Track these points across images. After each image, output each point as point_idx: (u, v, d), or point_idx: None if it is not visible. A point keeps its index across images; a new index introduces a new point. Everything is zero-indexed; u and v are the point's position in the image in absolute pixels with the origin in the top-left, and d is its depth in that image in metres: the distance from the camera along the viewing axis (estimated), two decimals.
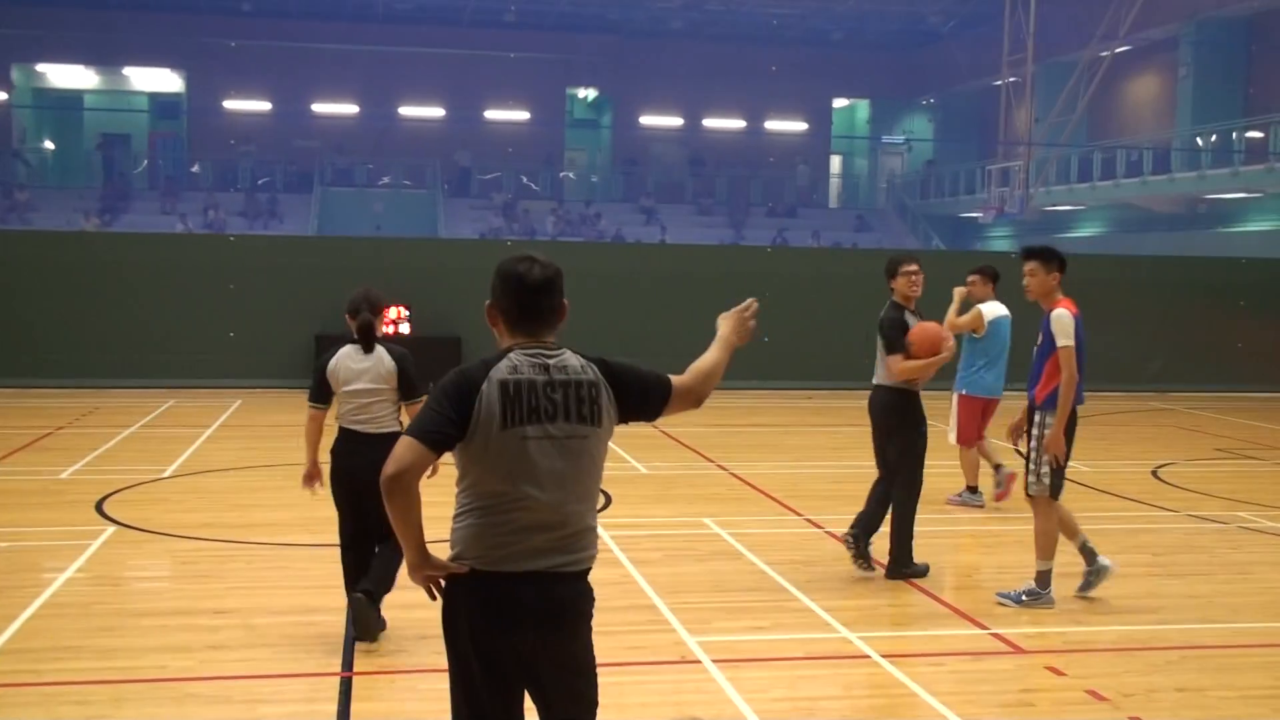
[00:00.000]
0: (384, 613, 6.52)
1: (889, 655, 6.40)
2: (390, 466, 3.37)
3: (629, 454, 12.92)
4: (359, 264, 18.67)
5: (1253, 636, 7.03)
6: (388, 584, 6.41)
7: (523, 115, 44.03)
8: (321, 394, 6.62)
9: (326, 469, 6.62)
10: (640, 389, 3.64)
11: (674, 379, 3.74)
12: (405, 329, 18.17)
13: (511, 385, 3.45)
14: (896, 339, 7.87)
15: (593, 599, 3.65)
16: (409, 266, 18.71)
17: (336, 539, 6.69)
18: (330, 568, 7.97)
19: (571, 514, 3.52)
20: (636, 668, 6.23)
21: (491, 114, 43.69)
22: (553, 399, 3.48)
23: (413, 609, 7.00)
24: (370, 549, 6.48)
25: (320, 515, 9.38)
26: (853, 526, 8.08)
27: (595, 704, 3.65)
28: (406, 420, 5.97)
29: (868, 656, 6.40)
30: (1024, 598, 7.40)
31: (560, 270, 3.59)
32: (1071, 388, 7.16)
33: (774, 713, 5.59)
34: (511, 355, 3.51)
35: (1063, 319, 7.23)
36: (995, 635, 6.82)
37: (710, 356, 3.86)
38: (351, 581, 6.48)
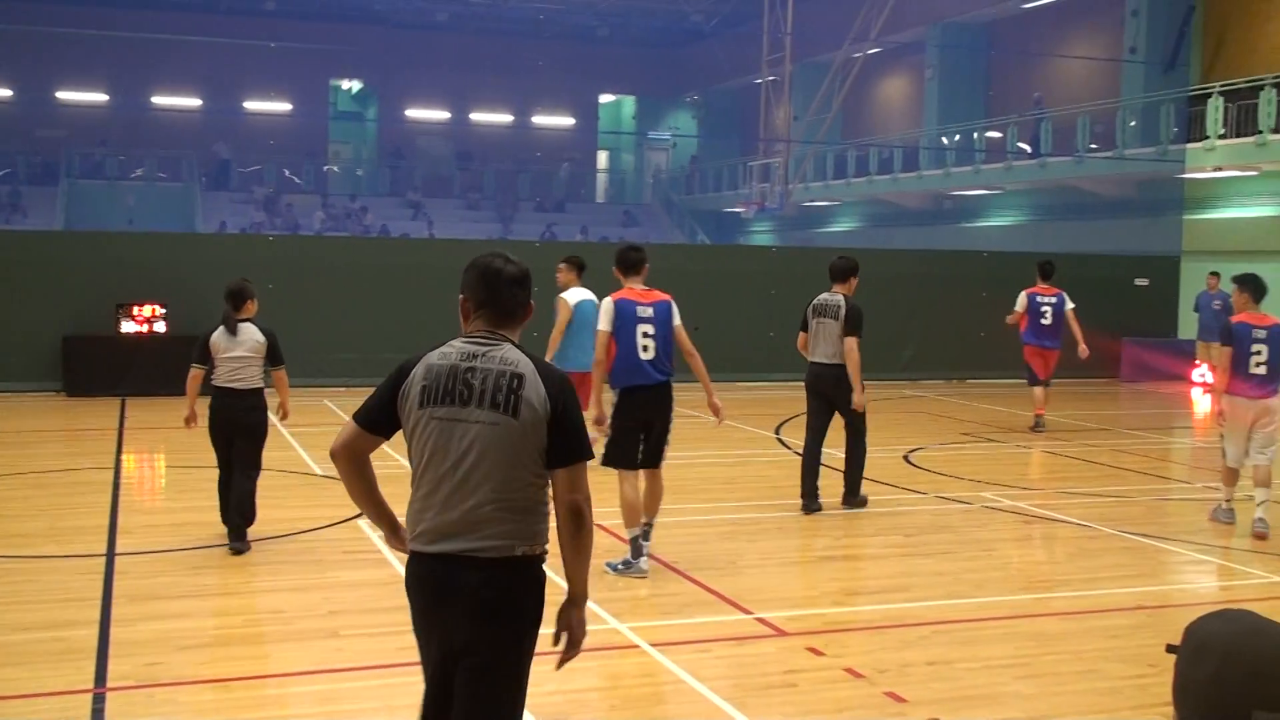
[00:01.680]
0: (135, 626, 6.29)
1: (657, 644, 6.54)
2: (334, 443, 3.69)
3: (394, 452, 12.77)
4: (110, 260, 17.85)
5: (996, 610, 7.46)
6: (244, 510, 8.52)
7: (284, 107, 42.86)
8: (203, 358, 8.61)
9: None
10: (558, 440, 3.58)
11: (559, 478, 3.66)
12: (160, 328, 17.47)
13: (435, 368, 3.60)
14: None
15: (514, 590, 3.65)
16: (165, 262, 17.98)
17: (86, 551, 7.80)
18: (83, 580, 7.65)
19: (477, 499, 3.55)
20: (408, 669, 6.18)
21: (251, 105, 42.37)
22: (469, 383, 3.56)
23: (168, 620, 6.78)
24: (232, 475, 8.59)
25: (69, 525, 9.00)
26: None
27: (500, 704, 3.64)
28: (274, 381, 8.74)
29: (637, 646, 6.53)
30: (619, 567, 7.96)
31: (529, 271, 3.78)
32: (598, 369, 8.18)
33: (546, 707, 5.64)
34: (453, 340, 3.64)
35: (603, 306, 8.25)
36: (759, 619, 7.05)
37: (570, 567, 3.85)
38: (224, 504, 8.70)
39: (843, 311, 10.01)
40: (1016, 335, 15.72)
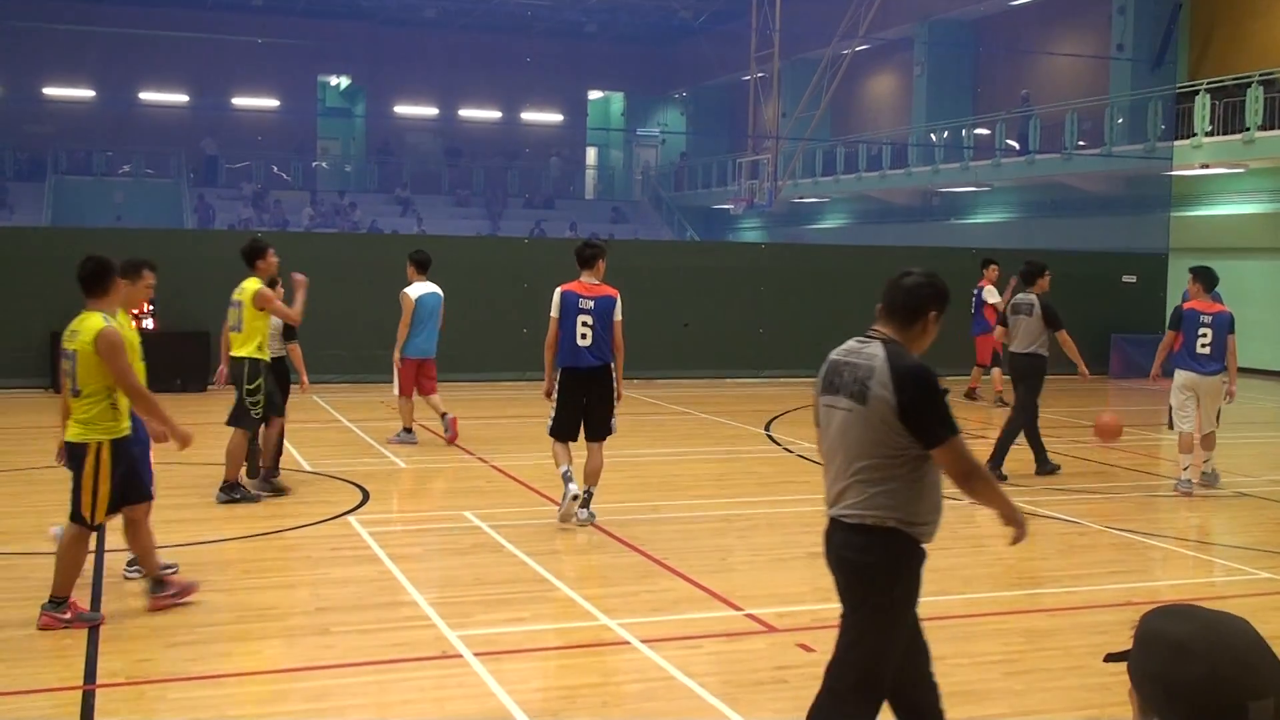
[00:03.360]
0: (125, 623, 6.27)
1: (648, 640, 6.54)
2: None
3: (386, 448, 12.77)
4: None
5: (985, 606, 7.49)
6: (272, 457, 10.26)
7: (272, 103, 42.75)
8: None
9: None
10: (913, 424, 4.20)
11: (935, 456, 4.27)
12: (149, 324, 17.40)
13: (828, 361, 4.45)
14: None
15: (872, 552, 4.35)
16: (153, 259, 17.87)
17: None
18: None
19: (844, 473, 4.30)
20: (397, 665, 6.19)
21: (239, 101, 42.25)
22: (841, 375, 4.32)
23: (158, 616, 6.77)
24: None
25: (58, 521, 8.94)
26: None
27: (849, 646, 4.47)
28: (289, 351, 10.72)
29: (628, 643, 6.53)
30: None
31: (931, 280, 4.46)
32: (548, 351, 9.25)
33: (536, 703, 5.64)
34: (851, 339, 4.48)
35: (553, 296, 9.28)
36: (749, 615, 7.06)
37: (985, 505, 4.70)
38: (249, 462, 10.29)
39: (1037, 310, 11.86)
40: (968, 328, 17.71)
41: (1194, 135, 23.88)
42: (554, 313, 9.20)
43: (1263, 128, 22.44)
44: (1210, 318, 11.01)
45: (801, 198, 37.78)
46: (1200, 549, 9.23)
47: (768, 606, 7.24)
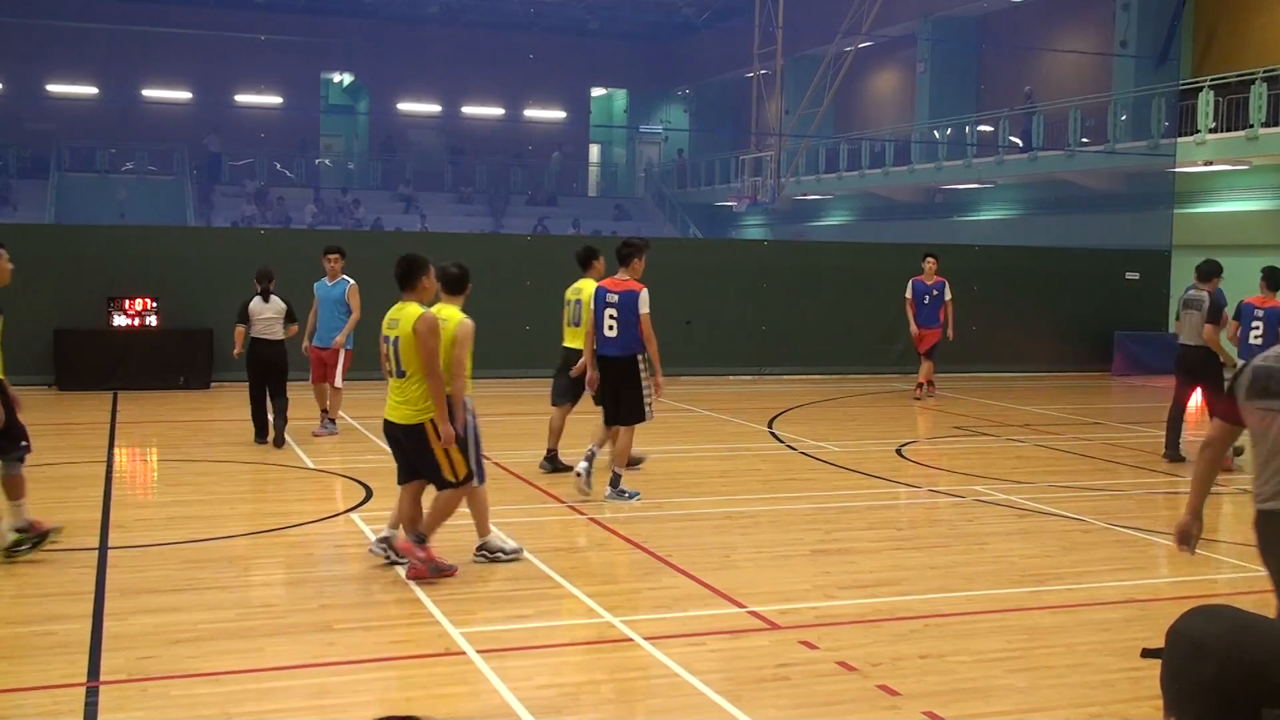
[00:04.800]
0: (128, 620, 6.27)
1: (651, 637, 6.54)
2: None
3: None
4: (102, 254, 17.80)
5: (987, 603, 7.48)
6: (282, 423, 12.55)
7: (275, 100, 42.74)
8: (243, 318, 12.68)
9: None
10: None
11: None
12: (152, 321, 17.42)
13: (1258, 369, 4.73)
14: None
15: None
16: (156, 256, 17.92)
17: (79, 545, 8.03)
18: (75, 573, 7.63)
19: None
20: (401, 662, 6.19)
21: (242, 98, 42.24)
22: (1275, 379, 4.67)
23: (161, 614, 6.77)
24: (267, 404, 12.68)
25: (61, 519, 8.97)
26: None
27: None
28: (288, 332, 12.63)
29: (631, 640, 6.53)
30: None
31: None
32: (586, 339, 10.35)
33: (538, 700, 5.64)
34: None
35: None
36: (752, 613, 7.06)
37: None
38: (258, 428, 12.71)
39: (1206, 305, 12.41)
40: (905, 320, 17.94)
41: (1197, 132, 23.85)
42: (591, 305, 10.18)
43: (1266, 125, 22.40)
44: (1264, 312, 12.21)
45: (804, 195, 37.75)
46: (1203, 545, 9.21)
47: (771, 604, 7.23)
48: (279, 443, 12.42)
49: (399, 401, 7.61)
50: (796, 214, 39.49)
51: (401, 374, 7.57)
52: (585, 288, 10.84)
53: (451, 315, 7.73)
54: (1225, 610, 1.95)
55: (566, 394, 11.21)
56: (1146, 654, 1.99)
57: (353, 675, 5.98)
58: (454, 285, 8.01)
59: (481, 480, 7.94)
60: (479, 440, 7.97)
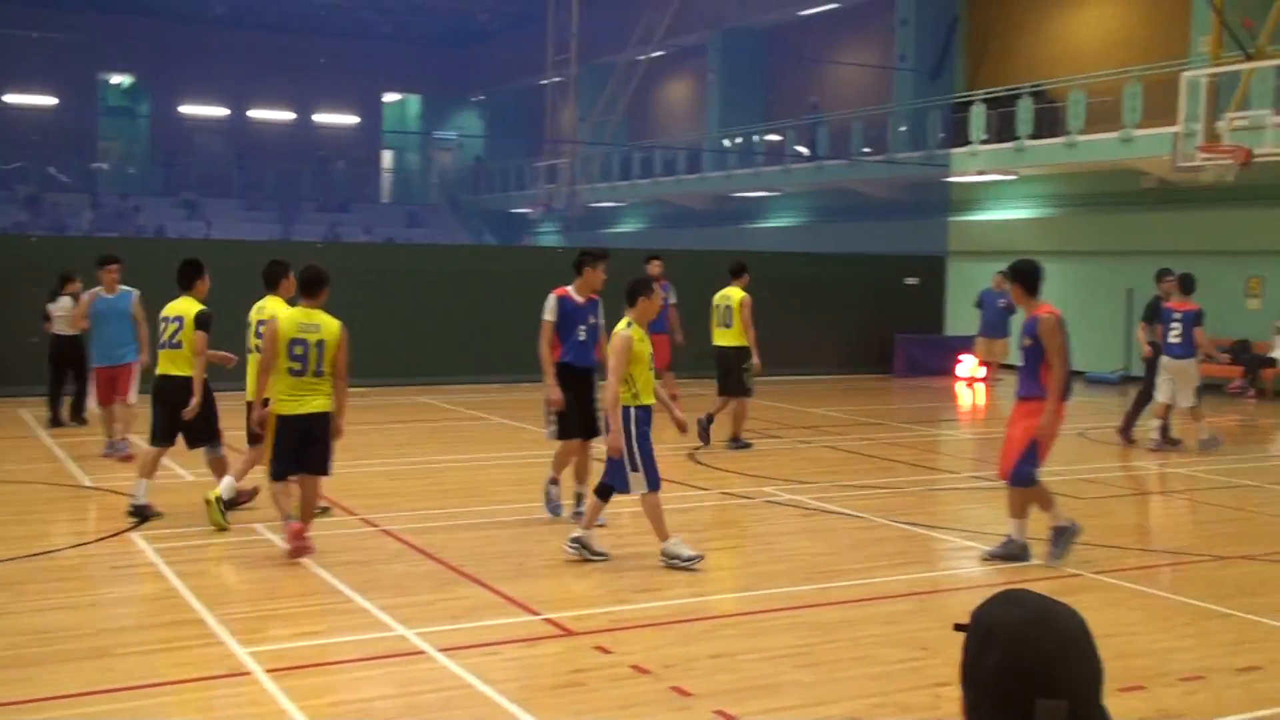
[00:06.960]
0: None
1: (445, 649, 6.48)
2: None
3: (175, 463, 12.32)
4: None
5: (777, 601, 7.67)
6: (82, 400, 13.80)
7: (49, 100, 40.77)
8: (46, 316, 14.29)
9: None
10: None
11: None
12: None
13: None
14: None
15: None
16: None
17: None
18: None
19: None
20: (182, 686, 5.99)
21: (12, 98, 40.15)
22: None
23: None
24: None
25: None
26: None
27: None
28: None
29: (424, 652, 6.46)
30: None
31: None
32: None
33: (331, 717, 5.54)
34: None
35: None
36: (547, 620, 7.07)
37: None
38: (54, 415, 14.42)
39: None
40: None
41: (970, 143, 24.98)
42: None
43: (1032, 137, 23.61)
44: (1181, 314, 13.59)
45: (599, 202, 38.04)
46: (977, 539, 9.64)
47: (565, 610, 7.27)
48: (79, 415, 14.12)
49: (323, 395, 8.48)
50: (591, 221, 39.75)
51: (320, 373, 8.44)
52: (733, 295, 13.87)
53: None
54: (1028, 597, 1.96)
55: (728, 388, 13.98)
56: (958, 628, 2.03)
57: (131, 702, 5.75)
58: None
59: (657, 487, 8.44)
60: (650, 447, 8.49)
